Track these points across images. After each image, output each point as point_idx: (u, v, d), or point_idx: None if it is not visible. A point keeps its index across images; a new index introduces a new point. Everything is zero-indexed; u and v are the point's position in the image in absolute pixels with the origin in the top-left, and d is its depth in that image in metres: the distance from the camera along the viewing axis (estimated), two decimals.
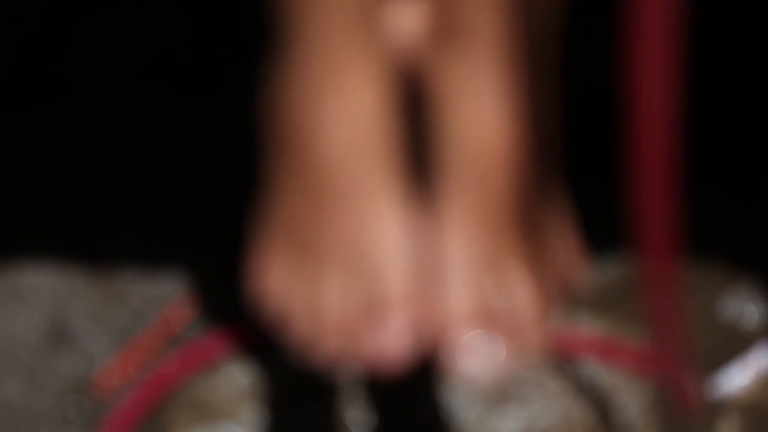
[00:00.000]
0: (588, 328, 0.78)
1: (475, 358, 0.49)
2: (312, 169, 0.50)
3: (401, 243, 0.50)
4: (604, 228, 0.83)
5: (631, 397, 0.76)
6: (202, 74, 0.91)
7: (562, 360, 0.78)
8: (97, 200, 0.84)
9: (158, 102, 0.90)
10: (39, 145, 0.87)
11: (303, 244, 0.51)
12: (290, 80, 0.50)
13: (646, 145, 0.40)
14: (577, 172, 0.84)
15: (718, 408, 0.74)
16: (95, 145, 0.87)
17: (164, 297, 0.81)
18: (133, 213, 0.84)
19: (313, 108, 0.49)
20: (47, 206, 0.84)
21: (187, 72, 0.91)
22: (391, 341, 0.48)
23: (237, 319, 0.79)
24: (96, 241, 0.83)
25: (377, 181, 0.50)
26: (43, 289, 0.81)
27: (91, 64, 0.91)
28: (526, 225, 0.51)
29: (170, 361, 0.77)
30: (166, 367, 0.77)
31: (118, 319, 0.80)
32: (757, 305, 0.79)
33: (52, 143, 0.87)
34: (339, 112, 0.49)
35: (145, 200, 0.84)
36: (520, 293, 0.51)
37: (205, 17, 0.94)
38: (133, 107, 0.89)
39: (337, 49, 0.48)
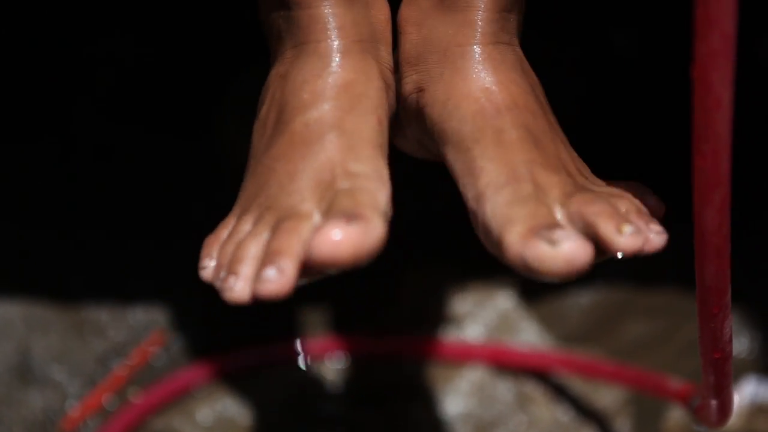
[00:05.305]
0: (573, 350, 0.78)
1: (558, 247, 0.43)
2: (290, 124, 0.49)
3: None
4: None
5: (620, 419, 0.76)
6: (173, 111, 0.92)
7: (547, 380, 0.77)
8: (67, 235, 0.85)
9: (126, 135, 0.90)
10: (9, 179, 0.88)
11: (260, 197, 0.49)
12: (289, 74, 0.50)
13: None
14: None
15: None
16: (67, 180, 0.88)
17: (136, 330, 0.81)
18: (104, 247, 0.84)
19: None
20: (17, 241, 0.84)
21: (157, 109, 0.92)
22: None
23: (209, 351, 0.79)
24: (66, 275, 0.83)
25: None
26: (13, 324, 0.80)
27: (58, 100, 0.92)
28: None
29: (142, 393, 0.77)
30: (137, 400, 0.76)
31: (89, 352, 0.79)
32: (744, 334, 0.79)
33: (25, 177, 0.88)
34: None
35: (116, 235, 0.85)
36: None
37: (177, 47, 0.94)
38: (102, 141, 0.90)
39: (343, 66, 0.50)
